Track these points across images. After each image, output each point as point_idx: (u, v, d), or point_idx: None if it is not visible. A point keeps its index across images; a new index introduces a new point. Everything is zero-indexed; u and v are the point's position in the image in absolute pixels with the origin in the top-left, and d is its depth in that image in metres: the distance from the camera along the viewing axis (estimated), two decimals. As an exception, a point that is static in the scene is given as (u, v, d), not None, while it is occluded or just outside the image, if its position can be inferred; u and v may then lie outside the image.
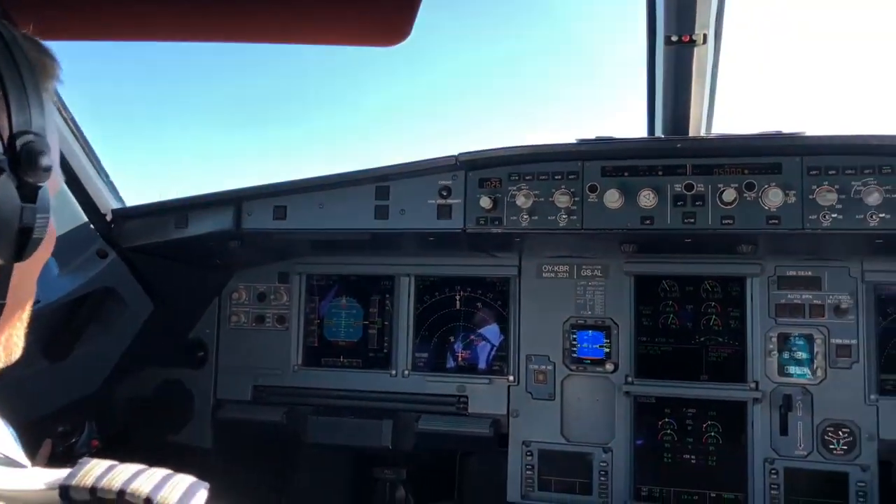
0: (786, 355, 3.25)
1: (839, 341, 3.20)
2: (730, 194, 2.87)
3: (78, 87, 3.02)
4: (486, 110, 5.91)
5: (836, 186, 2.80)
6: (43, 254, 1.09)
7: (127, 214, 3.35)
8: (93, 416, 2.94)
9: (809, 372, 3.22)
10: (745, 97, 3.84)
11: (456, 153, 3.16)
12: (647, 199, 2.94)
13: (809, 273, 3.26)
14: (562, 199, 3.03)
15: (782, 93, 4.22)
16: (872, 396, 3.14)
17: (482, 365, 3.62)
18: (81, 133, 3.12)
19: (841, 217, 2.80)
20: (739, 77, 3.43)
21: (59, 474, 0.94)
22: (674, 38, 2.56)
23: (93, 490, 0.90)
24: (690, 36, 2.53)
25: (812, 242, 3.02)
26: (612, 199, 2.96)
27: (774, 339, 3.26)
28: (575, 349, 3.47)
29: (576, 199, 3.05)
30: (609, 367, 3.42)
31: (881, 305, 3.20)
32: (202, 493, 0.94)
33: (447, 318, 3.68)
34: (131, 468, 0.94)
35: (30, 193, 1.00)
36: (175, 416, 3.85)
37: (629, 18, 3.01)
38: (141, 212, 3.38)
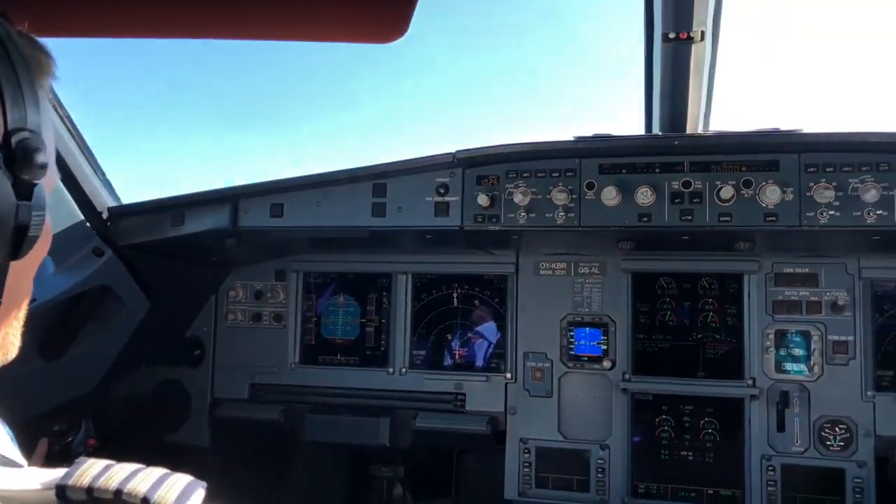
0: (783, 352, 3.26)
1: (836, 338, 3.21)
2: (727, 191, 2.87)
3: (74, 85, 3.01)
4: (483, 108, 5.91)
5: (834, 183, 2.81)
6: (39, 252, 1.08)
7: (123, 212, 3.34)
8: (89, 415, 2.93)
9: (806, 368, 3.23)
10: (742, 94, 3.84)
11: (453, 151, 3.16)
12: (644, 196, 2.94)
13: (806, 270, 3.27)
14: (559, 197, 3.03)
15: (780, 90, 4.22)
16: (869, 393, 3.15)
17: (479, 362, 3.62)
18: (77, 130, 3.11)
19: (838, 214, 2.81)
20: (737, 74, 3.43)
21: (55, 474, 0.93)
22: (671, 36, 2.56)
23: (89, 490, 0.89)
24: (688, 33, 2.53)
25: (809, 239, 3.02)
26: (610, 196, 2.96)
27: (771, 336, 3.27)
28: (572, 346, 3.48)
29: (573, 196, 3.05)
30: (606, 364, 3.43)
31: (878, 302, 3.21)
32: (200, 493, 0.94)
33: (444, 315, 3.68)
34: (128, 468, 0.93)
35: (25, 191, 0.99)
36: (172, 414, 3.84)
37: (627, 16, 3.01)
38: (137, 209, 3.36)
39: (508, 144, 3.11)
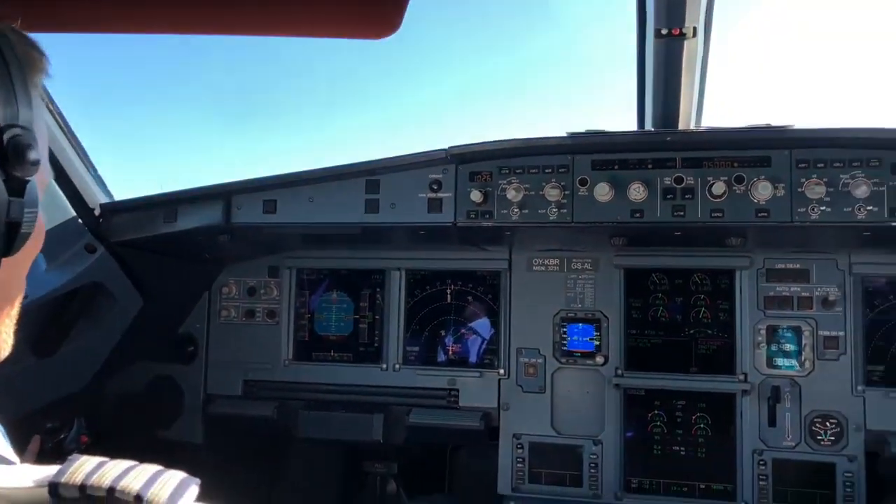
0: (774, 347, 3.28)
1: (827, 333, 3.23)
2: (719, 187, 2.88)
3: (66, 81, 2.99)
4: (476, 105, 5.90)
5: (825, 179, 2.82)
6: (32, 249, 1.08)
7: (115, 209, 3.33)
8: (82, 412, 2.92)
9: (797, 364, 3.25)
10: (734, 90, 3.85)
11: (446, 147, 3.16)
12: (636, 192, 2.95)
13: (798, 265, 3.29)
14: (552, 193, 3.03)
15: (771, 86, 4.23)
16: (859, 387, 3.17)
17: (473, 358, 3.63)
18: (69, 126, 3.09)
19: (829, 210, 2.82)
20: (729, 70, 3.44)
21: (48, 471, 0.93)
22: (664, 32, 2.57)
23: (82, 487, 0.89)
24: (680, 29, 2.54)
25: (800, 235, 3.04)
26: (603, 192, 2.96)
27: (763, 332, 3.29)
28: (565, 342, 3.48)
29: (566, 192, 3.05)
30: (599, 359, 3.44)
31: (868, 297, 3.23)
32: (193, 489, 0.94)
33: (438, 311, 3.68)
34: (121, 465, 0.93)
35: (17, 187, 0.99)
36: (165, 411, 3.83)
37: (619, 12, 3.02)
38: (129, 206, 3.35)
39: (501, 140, 3.11)
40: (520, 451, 3.48)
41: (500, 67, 5.39)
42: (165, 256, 3.57)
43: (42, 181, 1.08)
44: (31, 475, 0.94)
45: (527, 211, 3.09)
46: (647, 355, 3.41)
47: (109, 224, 3.30)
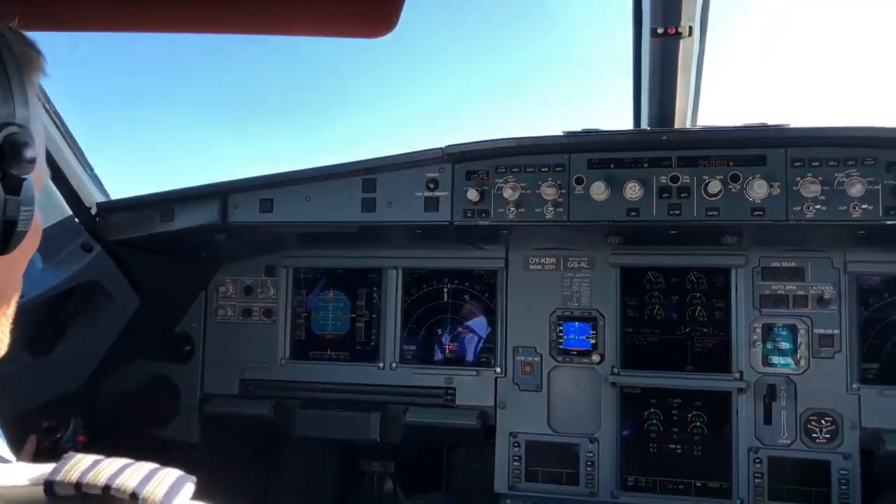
0: (770, 345, 3.29)
1: (822, 331, 3.24)
2: (715, 186, 2.89)
3: (63, 80, 2.99)
4: (472, 104, 5.91)
5: (820, 178, 2.83)
6: (28, 247, 1.08)
7: (112, 208, 3.33)
8: (78, 412, 2.92)
9: (793, 362, 3.26)
10: (730, 89, 3.86)
11: (443, 146, 3.16)
12: (632, 191, 2.96)
13: (793, 264, 3.30)
14: (548, 192, 3.04)
15: (767, 85, 4.24)
16: (854, 385, 3.18)
17: (470, 357, 3.63)
18: (65, 125, 3.09)
19: (824, 208, 2.83)
20: (725, 69, 3.45)
21: (43, 469, 0.93)
22: (660, 31, 2.57)
23: (78, 485, 0.89)
24: (676, 28, 2.55)
25: (796, 234, 3.05)
26: (599, 191, 2.97)
27: (758, 330, 3.29)
28: (561, 340, 3.49)
29: (562, 191, 3.05)
30: (595, 358, 3.44)
31: (863, 296, 3.24)
32: (189, 487, 0.94)
33: (435, 310, 3.69)
34: (117, 463, 0.93)
35: (13, 186, 0.99)
36: (162, 410, 3.83)
37: (615, 11, 3.02)
38: (126, 205, 3.35)
39: (497, 139, 3.11)
40: (516, 449, 3.49)
41: (497, 68, 5.40)
42: (162, 255, 3.57)
43: (39, 180, 1.08)
44: (27, 473, 0.94)
45: (523, 210, 3.09)
46: (644, 353, 3.41)
47: (106, 223, 3.30)
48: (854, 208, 2.80)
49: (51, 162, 2.96)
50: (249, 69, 5.02)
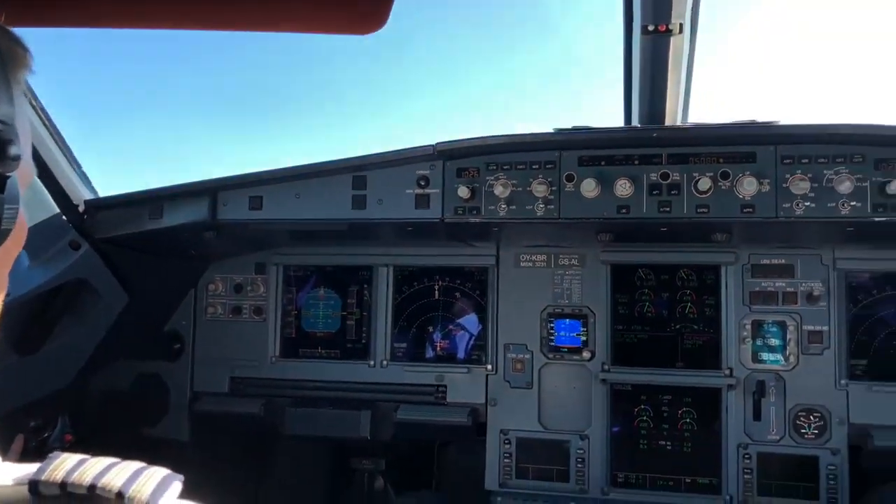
0: (759, 342, 3.30)
1: (811, 328, 3.26)
2: (705, 183, 2.90)
3: (50, 77, 2.97)
4: (463, 101, 5.90)
5: (809, 175, 2.84)
6: (13, 246, 1.07)
7: (100, 205, 3.30)
8: (66, 410, 2.90)
9: (782, 358, 3.27)
10: (720, 87, 3.87)
11: (434, 143, 3.15)
12: (623, 188, 2.96)
13: (783, 261, 3.31)
14: (539, 189, 3.04)
15: (757, 82, 4.26)
16: (843, 381, 3.20)
17: (461, 354, 3.63)
18: (52, 122, 3.06)
19: (813, 205, 2.84)
20: (715, 67, 3.45)
21: (28, 469, 0.92)
22: (650, 28, 2.57)
23: (63, 485, 0.88)
24: (667, 25, 2.55)
25: (785, 230, 3.06)
26: (589, 188, 2.97)
27: (748, 327, 3.31)
28: (552, 338, 3.49)
29: (553, 188, 3.06)
30: (586, 355, 3.45)
31: (852, 293, 3.26)
32: (176, 486, 0.93)
33: (426, 307, 3.68)
34: (103, 462, 0.92)
35: None
36: (151, 409, 3.81)
37: (606, 8, 3.02)
38: (114, 202, 3.33)
39: (488, 136, 3.11)
40: (507, 446, 3.49)
41: (488, 66, 5.40)
42: (151, 253, 3.55)
43: (25, 177, 1.07)
44: (12, 473, 0.93)
45: (514, 207, 3.09)
46: (634, 350, 3.42)
47: (94, 221, 3.28)
48: (843, 205, 2.81)
49: (38, 159, 2.94)
50: (240, 67, 5.00)
